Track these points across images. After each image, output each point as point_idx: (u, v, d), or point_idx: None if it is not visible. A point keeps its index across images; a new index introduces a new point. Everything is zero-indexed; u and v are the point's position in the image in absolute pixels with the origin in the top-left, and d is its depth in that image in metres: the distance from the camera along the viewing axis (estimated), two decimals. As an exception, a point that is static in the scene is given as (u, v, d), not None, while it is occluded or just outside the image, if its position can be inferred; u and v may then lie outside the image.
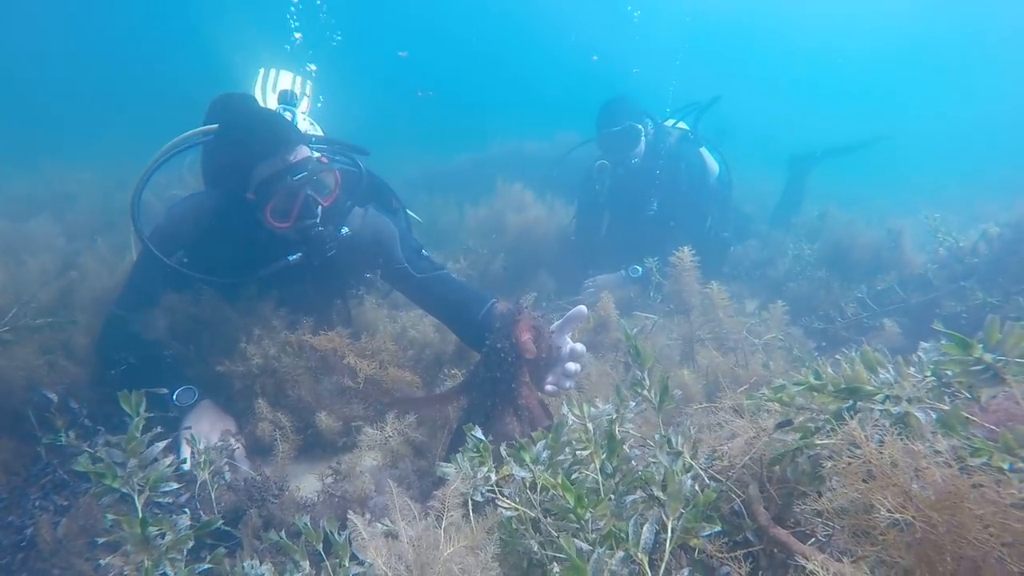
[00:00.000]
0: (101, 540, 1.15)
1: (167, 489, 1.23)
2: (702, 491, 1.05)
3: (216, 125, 2.54)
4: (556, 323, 2.03)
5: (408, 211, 5.90)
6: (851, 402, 1.06)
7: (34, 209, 5.99)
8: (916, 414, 0.97)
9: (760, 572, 1.03)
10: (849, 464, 0.87)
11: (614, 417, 1.19)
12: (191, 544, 1.21)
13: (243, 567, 1.42)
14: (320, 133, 3.45)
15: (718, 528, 1.00)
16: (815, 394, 1.09)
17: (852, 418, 1.01)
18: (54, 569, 1.53)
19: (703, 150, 4.95)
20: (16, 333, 2.50)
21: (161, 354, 2.46)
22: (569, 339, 2.02)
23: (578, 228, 4.97)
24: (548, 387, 1.96)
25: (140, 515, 1.13)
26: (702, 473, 1.14)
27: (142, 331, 2.42)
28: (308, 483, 2.08)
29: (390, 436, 2.07)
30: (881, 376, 1.08)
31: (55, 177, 7.21)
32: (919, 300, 3.36)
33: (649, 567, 0.93)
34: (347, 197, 2.62)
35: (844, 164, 7.79)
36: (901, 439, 0.89)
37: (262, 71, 4.27)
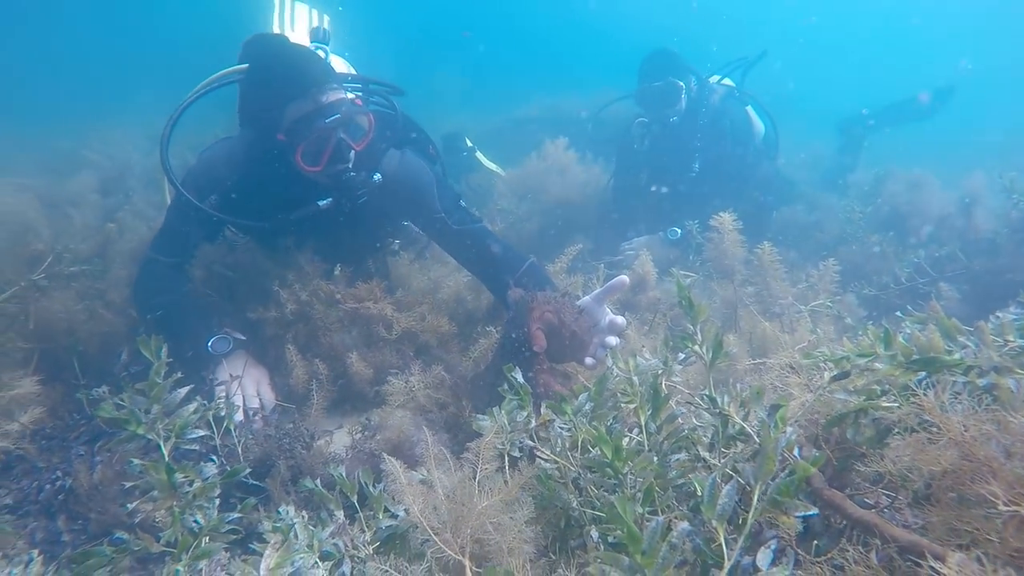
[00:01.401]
0: (129, 484, 1.14)
1: (193, 436, 1.21)
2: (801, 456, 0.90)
3: (246, 65, 2.45)
4: (595, 292, 1.94)
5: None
6: (924, 374, 0.95)
7: (75, 165, 6.14)
8: (1008, 383, 0.86)
9: (814, 539, 0.96)
10: (928, 442, 0.77)
11: (660, 372, 1.12)
12: (218, 492, 1.20)
13: (278, 512, 1.42)
14: (355, 72, 3.34)
15: (815, 512, 0.82)
16: (885, 367, 0.99)
17: (923, 391, 0.90)
18: (91, 512, 1.57)
19: (749, 108, 4.70)
20: (53, 280, 2.55)
21: (196, 301, 2.45)
22: (608, 309, 1.94)
23: (616, 188, 4.81)
24: (587, 360, 1.89)
25: (166, 462, 1.12)
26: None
27: (177, 277, 2.43)
28: (337, 437, 2.08)
29: (415, 388, 2.05)
30: (960, 344, 0.96)
31: (93, 135, 7.34)
32: (984, 266, 3.14)
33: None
34: (382, 139, 2.52)
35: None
36: (991, 410, 0.78)
37: (277, 4, 4.07)
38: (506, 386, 1.23)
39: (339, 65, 3.28)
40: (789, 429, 0.87)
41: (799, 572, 0.88)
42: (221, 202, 2.39)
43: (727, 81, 5.03)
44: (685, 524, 0.83)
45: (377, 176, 2.41)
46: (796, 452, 0.87)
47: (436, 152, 2.99)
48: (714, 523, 0.80)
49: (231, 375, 2.18)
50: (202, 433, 1.26)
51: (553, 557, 1.12)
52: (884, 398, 0.97)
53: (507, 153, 6.44)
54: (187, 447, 1.20)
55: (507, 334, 1.75)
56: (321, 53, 3.11)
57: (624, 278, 1.91)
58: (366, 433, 1.99)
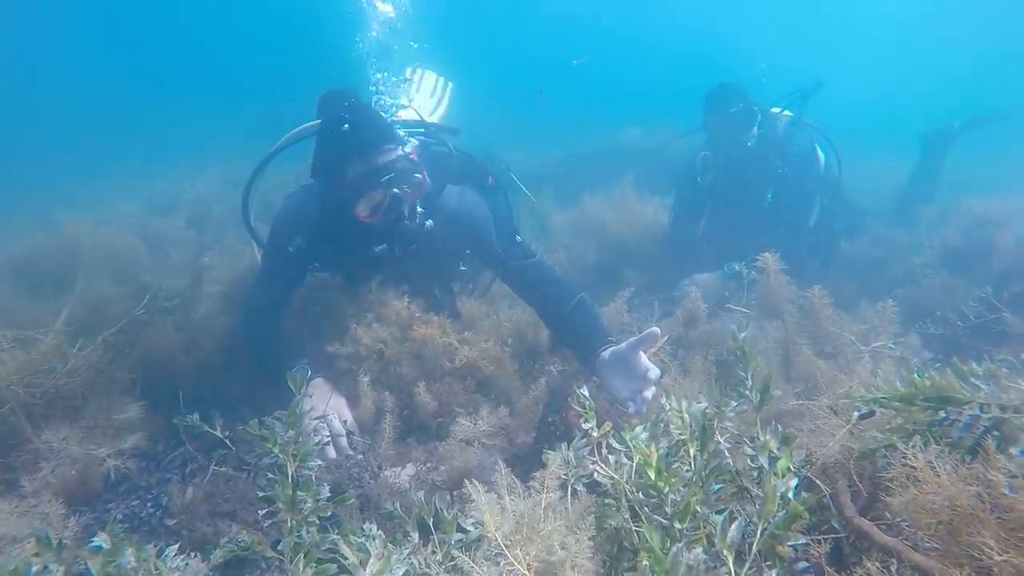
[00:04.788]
0: (261, 494, 1.34)
1: (312, 464, 1.42)
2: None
3: (319, 121, 2.71)
4: (631, 340, 2.09)
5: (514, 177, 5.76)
6: (944, 413, 1.05)
7: (173, 205, 6.76)
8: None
9: (843, 559, 1.06)
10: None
11: (711, 413, 1.25)
12: (329, 513, 1.39)
13: (362, 529, 1.59)
14: (416, 117, 3.46)
15: (804, 541, 1.03)
16: (910, 407, 1.08)
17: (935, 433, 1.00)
18: (183, 529, 1.80)
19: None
20: (152, 314, 2.82)
21: (285, 335, 2.70)
22: (644, 357, 2.07)
23: (674, 222, 4.87)
24: (630, 407, 2.05)
25: (291, 480, 1.32)
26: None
27: (273, 312, 2.69)
28: (403, 468, 2.21)
29: (484, 430, 2.19)
30: (974, 385, 1.05)
31: (186, 176, 8.01)
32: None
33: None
34: (437, 178, 2.72)
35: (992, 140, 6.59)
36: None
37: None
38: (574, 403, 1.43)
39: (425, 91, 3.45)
40: (784, 480, 1.05)
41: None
42: (305, 243, 2.67)
43: (786, 112, 5.04)
44: (699, 550, 1.00)
45: (429, 223, 2.61)
46: (791, 495, 1.04)
47: (496, 183, 3.16)
48: (725, 551, 0.97)
49: (316, 401, 2.29)
50: (320, 463, 1.46)
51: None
52: (916, 437, 1.06)
53: (569, 188, 6.57)
54: (305, 472, 1.40)
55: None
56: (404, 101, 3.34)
57: (656, 330, 2.04)
58: (429, 465, 2.15)
